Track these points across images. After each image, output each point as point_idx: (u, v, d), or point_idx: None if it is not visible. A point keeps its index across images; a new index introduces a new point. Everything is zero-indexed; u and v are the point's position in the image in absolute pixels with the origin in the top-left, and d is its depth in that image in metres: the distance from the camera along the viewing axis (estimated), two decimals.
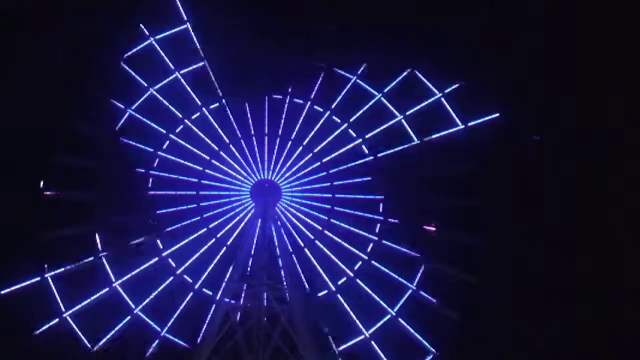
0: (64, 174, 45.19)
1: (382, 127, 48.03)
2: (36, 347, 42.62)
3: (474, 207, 45.56)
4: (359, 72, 48.66)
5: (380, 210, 47.63)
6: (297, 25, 48.56)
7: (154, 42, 47.79)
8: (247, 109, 48.47)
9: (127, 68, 47.43)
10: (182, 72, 47.98)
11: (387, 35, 47.67)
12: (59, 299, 43.80)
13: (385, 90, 48.39)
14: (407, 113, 47.79)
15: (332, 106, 48.62)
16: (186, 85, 47.96)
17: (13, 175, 44.65)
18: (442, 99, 47.46)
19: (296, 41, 48.33)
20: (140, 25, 47.78)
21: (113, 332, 43.96)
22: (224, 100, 48.05)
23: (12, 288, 43.01)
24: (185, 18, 47.58)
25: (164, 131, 47.57)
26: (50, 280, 43.80)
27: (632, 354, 42.83)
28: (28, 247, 43.91)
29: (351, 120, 48.40)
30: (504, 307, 44.65)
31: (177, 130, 47.74)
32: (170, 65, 47.98)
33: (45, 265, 43.84)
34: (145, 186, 46.85)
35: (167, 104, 47.74)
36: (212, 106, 48.09)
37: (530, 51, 49.00)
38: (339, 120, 48.53)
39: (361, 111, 48.40)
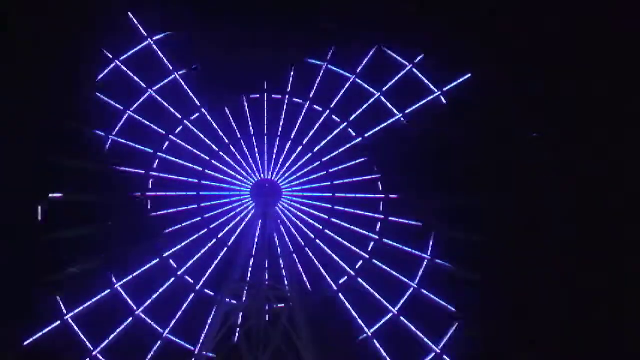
0: (64, 179, 45.27)
1: (382, 126, 48.06)
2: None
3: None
4: (357, 71, 48.64)
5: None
6: (292, 22, 48.59)
7: (151, 42, 47.88)
8: (246, 108, 48.41)
9: (125, 69, 47.47)
10: (180, 73, 48.06)
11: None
12: (60, 302, 43.87)
13: (384, 89, 48.38)
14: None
15: (331, 105, 48.62)
16: (185, 86, 47.96)
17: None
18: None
19: (292, 38, 48.28)
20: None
21: (115, 333, 43.97)
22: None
23: None
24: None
25: (164, 132, 47.54)
26: None
27: (632, 353, 42.61)
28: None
29: (350, 119, 48.34)
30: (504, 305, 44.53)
31: (177, 131, 47.69)
32: (169, 66, 48.06)
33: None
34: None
35: (166, 104, 47.70)
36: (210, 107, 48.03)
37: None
38: (338, 120, 48.43)
39: (360, 110, 48.47)
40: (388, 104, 48.16)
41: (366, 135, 48.04)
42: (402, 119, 47.86)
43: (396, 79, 48.43)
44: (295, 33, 48.31)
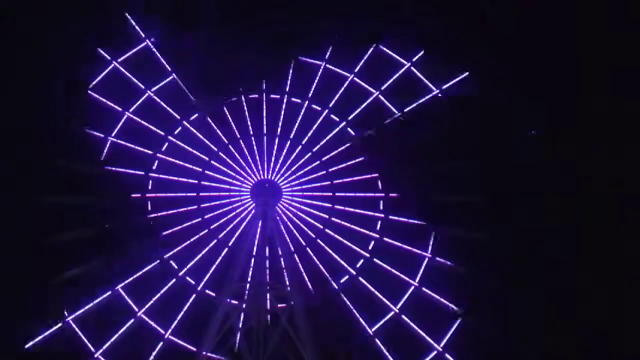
0: (64, 180, 45.32)
1: (380, 125, 48.06)
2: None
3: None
4: (382, 88, 48.57)
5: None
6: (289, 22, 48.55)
7: (149, 43, 48.01)
8: (245, 109, 48.38)
9: (123, 70, 47.51)
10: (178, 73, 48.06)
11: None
12: (62, 305, 43.86)
13: (383, 88, 48.41)
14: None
15: (330, 105, 48.61)
16: (184, 87, 47.92)
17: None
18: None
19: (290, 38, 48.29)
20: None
21: (116, 335, 43.93)
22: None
23: None
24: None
25: (162, 133, 47.54)
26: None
27: (632, 352, 42.50)
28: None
29: (349, 118, 48.32)
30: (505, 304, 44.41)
31: (176, 132, 47.71)
32: (168, 67, 48.10)
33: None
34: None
35: (165, 105, 47.70)
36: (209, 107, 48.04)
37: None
38: (337, 119, 48.39)
39: (359, 109, 48.44)
40: (387, 102, 48.02)
41: (365, 134, 47.92)
42: (402, 117, 47.76)
43: (394, 77, 48.40)
44: (293, 32, 48.29)
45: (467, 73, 47.70)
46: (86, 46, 47.48)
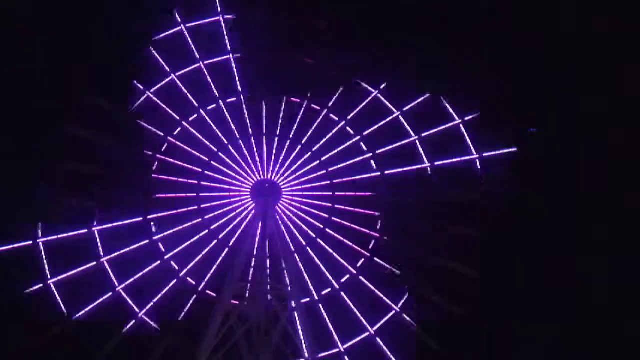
0: (64, 182, 45.44)
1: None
2: None
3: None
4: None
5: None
6: (287, 21, 48.48)
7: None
8: (245, 109, 48.38)
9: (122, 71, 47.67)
10: (177, 74, 48.15)
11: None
12: (61, 303, 43.99)
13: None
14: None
15: (329, 104, 48.58)
16: (183, 88, 48.04)
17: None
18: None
19: (288, 38, 48.31)
20: None
21: (117, 336, 43.94)
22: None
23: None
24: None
25: (162, 134, 47.60)
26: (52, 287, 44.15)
27: (632, 351, 42.37)
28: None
29: (349, 117, 48.27)
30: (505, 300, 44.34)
31: (175, 132, 47.75)
32: (167, 68, 48.19)
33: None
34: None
35: (164, 106, 47.81)
36: (209, 107, 48.04)
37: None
38: (336, 119, 48.39)
39: (358, 108, 48.40)
40: (386, 102, 47.98)
41: (364, 133, 47.90)
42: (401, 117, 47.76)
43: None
44: (291, 32, 48.32)
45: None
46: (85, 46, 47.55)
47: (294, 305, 41.89)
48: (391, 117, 48.04)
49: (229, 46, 48.68)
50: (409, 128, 47.90)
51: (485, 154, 46.81)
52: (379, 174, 47.57)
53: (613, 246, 44.65)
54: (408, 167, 47.40)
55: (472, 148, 46.99)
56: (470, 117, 47.23)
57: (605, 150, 46.38)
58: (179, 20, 48.53)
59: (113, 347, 43.43)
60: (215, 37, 48.86)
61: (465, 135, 47.18)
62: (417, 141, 47.60)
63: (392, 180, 47.41)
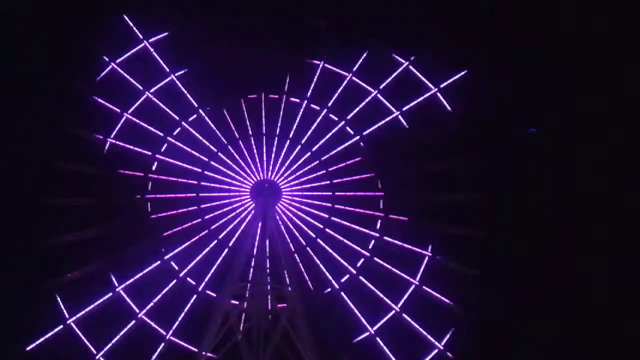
0: (63, 183, 45.40)
1: (379, 124, 47.93)
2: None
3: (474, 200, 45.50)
4: (380, 87, 48.48)
5: (381, 207, 47.29)
6: (286, 21, 48.49)
7: (147, 44, 48.04)
8: (244, 109, 48.33)
9: (122, 72, 47.54)
10: (176, 74, 48.07)
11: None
12: (62, 307, 43.99)
13: (381, 87, 48.31)
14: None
15: (329, 104, 48.54)
16: (182, 88, 47.97)
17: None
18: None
19: (288, 38, 48.23)
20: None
21: (118, 337, 43.95)
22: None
23: None
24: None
25: (161, 134, 47.53)
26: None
27: (632, 351, 42.39)
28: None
29: (348, 117, 48.24)
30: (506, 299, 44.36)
31: (175, 133, 47.68)
32: (165, 68, 48.13)
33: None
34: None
35: (164, 106, 47.72)
36: (208, 108, 48.01)
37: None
38: (336, 118, 48.36)
39: (357, 108, 48.32)
40: (385, 101, 47.99)
41: (364, 133, 47.88)
42: (400, 116, 47.75)
43: (392, 76, 48.32)
44: (290, 32, 48.32)
45: (465, 71, 47.59)
46: (85, 48, 47.45)
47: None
48: (390, 117, 47.96)
49: (227, 46, 48.58)
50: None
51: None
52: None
53: (613, 246, 44.68)
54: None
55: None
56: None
57: (606, 150, 46.37)
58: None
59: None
60: (213, 37, 48.76)
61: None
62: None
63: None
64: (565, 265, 44.61)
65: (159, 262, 45.86)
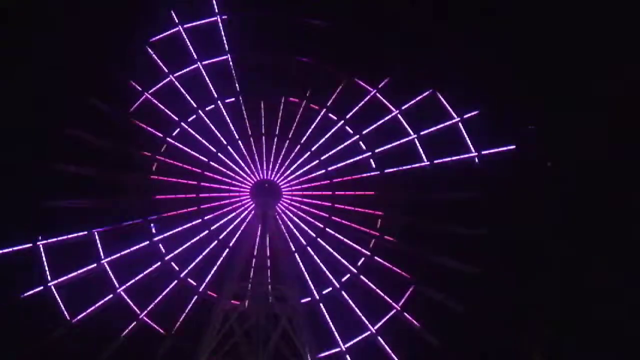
0: (63, 184, 45.48)
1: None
2: None
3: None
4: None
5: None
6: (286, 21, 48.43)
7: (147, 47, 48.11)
8: (244, 109, 48.30)
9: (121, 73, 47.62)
10: (175, 74, 48.09)
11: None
12: (62, 306, 44.02)
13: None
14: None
15: (328, 104, 48.51)
16: (181, 89, 47.98)
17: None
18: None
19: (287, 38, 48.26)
20: None
21: (119, 338, 44.04)
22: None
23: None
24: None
25: (161, 135, 47.56)
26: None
27: (632, 351, 42.39)
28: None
29: (347, 117, 48.23)
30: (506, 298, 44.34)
31: (174, 134, 47.68)
32: (165, 69, 48.12)
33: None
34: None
35: (163, 107, 47.75)
36: (207, 108, 47.99)
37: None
38: (335, 118, 48.36)
39: (357, 107, 48.34)
40: (385, 101, 47.91)
41: (364, 132, 47.87)
42: (416, 139, 47.65)
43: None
44: (289, 32, 48.30)
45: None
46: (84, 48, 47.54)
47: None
48: (390, 116, 47.91)
49: (226, 46, 48.55)
50: (407, 127, 47.87)
51: (484, 152, 46.79)
52: (378, 172, 47.51)
53: (613, 246, 44.62)
54: (407, 166, 47.35)
55: (471, 146, 46.91)
56: (470, 115, 47.13)
57: (606, 150, 46.28)
58: (177, 21, 48.47)
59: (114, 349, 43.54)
60: (212, 37, 48.80)
61: (464, 133, 47.11)
62: (415, 139, 47.56)
63: (392, 179, 47.31)
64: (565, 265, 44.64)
65: (159, 263, 45.80)
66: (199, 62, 48.39)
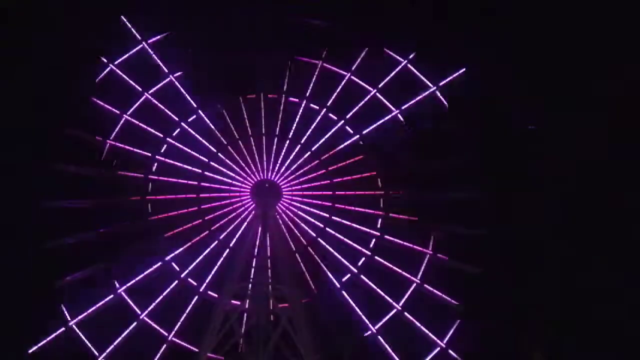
0: (63, 184, 45.49)
1: (378, 122, 47.83)
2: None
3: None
4: (352, 69, 48.40)
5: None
6: (285, 22, 48.34)
7: (145, 45, 48.05)
8: (243, 109, 48.27)
9: (121, 73, 47.54)
10: (175, 75, 48.04)
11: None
12: (64, 309, 44.12)
13: (380, 86, 48.18)
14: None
15: (328, 103, 48.47)
16: (181, 88, 47.92)
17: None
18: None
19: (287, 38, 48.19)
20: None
21: (120, 338, 44.02)
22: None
23: None
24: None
25: (161, 135, 47.53)
26: None
27: (632, 351, 42.40)
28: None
29: (348, 117, 48.18)
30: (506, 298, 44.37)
31: (174, 134, 47.65)
32: (165, 69, 48.10)
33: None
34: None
35: (163, 107, 47.70)
36: (206, 108, 48.03)
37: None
38: (335, 118, 48.30)
39: (357, 107, 48.26)
40: (384, 100, 47.90)
41: (364, 132, 47.80)
42: (399, 115, 47.63)
43: (391, 75, 48.17)
44: (289, 32, 48.21)
45: (463, 70, 47.42)
46: (84, 49, 47.48)
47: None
48: (390, 116, 47.90)
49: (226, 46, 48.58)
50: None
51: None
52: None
53: (613, 246, 44.62)
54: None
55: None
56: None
57: (606, 150, 46.27)
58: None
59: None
60: (212, 37, 48.71)
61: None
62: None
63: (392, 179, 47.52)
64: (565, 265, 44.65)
65: (160, 263, 45.83)
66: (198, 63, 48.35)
